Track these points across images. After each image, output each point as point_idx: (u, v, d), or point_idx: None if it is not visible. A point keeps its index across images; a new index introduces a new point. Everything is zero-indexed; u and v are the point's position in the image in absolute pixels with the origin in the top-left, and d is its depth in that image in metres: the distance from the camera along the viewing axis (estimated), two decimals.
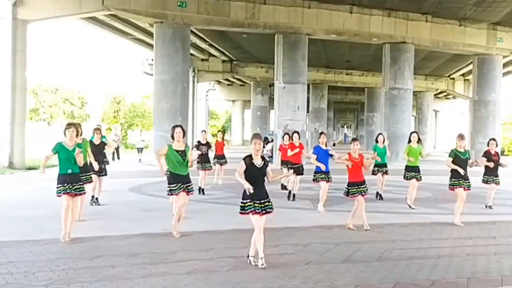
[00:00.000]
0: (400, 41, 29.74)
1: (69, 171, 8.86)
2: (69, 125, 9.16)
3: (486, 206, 13.76)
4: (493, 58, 32.48)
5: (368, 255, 8.36)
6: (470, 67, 37.70)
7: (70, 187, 8.83)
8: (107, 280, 6.57)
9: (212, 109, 77.01)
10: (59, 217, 8.95)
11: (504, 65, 35.48)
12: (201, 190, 15.08)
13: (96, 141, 12.64)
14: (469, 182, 11.24)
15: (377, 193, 15.05)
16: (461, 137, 11.33)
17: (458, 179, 11.14)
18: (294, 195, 14.32)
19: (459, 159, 11.15)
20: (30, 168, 22.76)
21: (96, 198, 12.81)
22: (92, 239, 9.05)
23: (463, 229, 10.86)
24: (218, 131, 21.00)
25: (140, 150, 32.24)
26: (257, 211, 7.29)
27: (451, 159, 11.21)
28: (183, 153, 9.20)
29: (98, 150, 12.47)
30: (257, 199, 7.30)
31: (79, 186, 9.01)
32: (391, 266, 7.71)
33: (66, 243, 8.56)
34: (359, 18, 28.68)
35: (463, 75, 51.58)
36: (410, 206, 13.41)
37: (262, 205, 7.32)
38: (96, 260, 7.57)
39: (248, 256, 7.49)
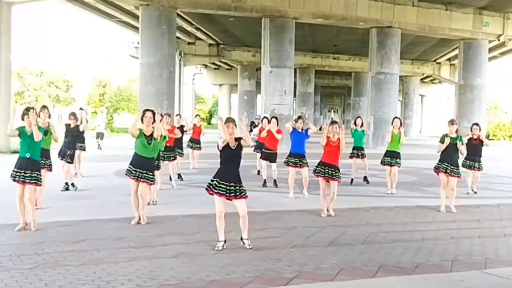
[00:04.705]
0: (386, 26, 29.73)
1: (27, 155, 8.38)
2: (27, 110, 8.53)
3: (470, 192, 13.60)
4: (479, 42, 32.60)
5: (353, 238, 8.42)
6: (456, 51, 37.79)
7: (22, 174, 8.33)
8: (92, 264, 6.56)
9: (199, 93, 76.76)
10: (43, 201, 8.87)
11: (490, 50, 35.55)
12: (179, 176, 14.79)
13: (72, 125, 12.61)
14: (456, 169, 11.06)
15: (352, 180, 14.99)
16: (451, 122, 11.27)
17: (443, 163, 11.06)
18: (275, 181, 14.07)
19: (449, 144, 11.01)
20: (15, 152, 22.55)
21: (72, 183, 12.65)
22: (77, 223, 9.03)
23: (447, 212, 10.95)
24: (196, 115, 20.90)
25: (99, 135, 27.35)
26: (221, 192, 7.35)
27: (441, 144, 11.09)
28: (150, 138, 9.05)
29: (71, 134, 12.43)
30: (225, 180, 7.40)
31: (35, 175, 8.43)
32: (376, 249, 7.77)
33: (52, 228, 8.47)
34: (346, 2, 28.59)
35: (449, 59, 51.76)
36: (391, 192, 13.32)
37: (230, 188, 7.38)
38: (81, 244, 7.55)
39: (222, 241, 7.50)
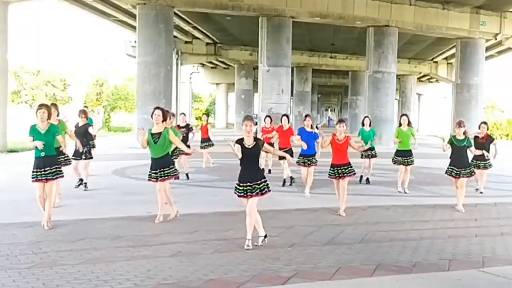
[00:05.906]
0: (384, 25, 29.77)
1: (42, 154, 8.42)
2: (41, 106, 8.72)
3: (476, 190, 13.69)
4: (476, 41, 32.66)
5: (351, 237, 8.42)
6: (453, 50, 37.88)
7: (43, 172, 8.44)
8: (90, 263, 6.55)
9: (196, 92, 76.70)
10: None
11: (487, 49, 35.67)
12: (186, 175, 14.88)
13: (80, 123, 12.58)
14: (467, 170, 10.95)
15: (361, 177, 14.97)
16: (459, 124, 11.00)
17: (451, 166, 11.00)
18: (291, 178, 14.01)
19: (454, 146, 10.95)
20: (11, 151, 22.55)
21: (85, 183, 12.66)
22: (75, 222, 9.00)
23: (445, 211, 10.96)
24: (203, 114, 20.87)
25: None
26: (239, 193, 7.48)
27: (444, 143, 11.09)
28: (157, 136, 9.05)
29: (81, 133, 12.38)
30: (243, 181, 7.47)
31: (54, 170, 8.59)
32: (373, 248, 7.77)
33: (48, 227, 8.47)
34: (343, 1, 28.64)
35: (446, 58, 51.85)
36: (404, 191, 13.23)
37: (247, 188, 7.43)
38: (79, 243, 7.54)
39: (249, 239, 7.51)
